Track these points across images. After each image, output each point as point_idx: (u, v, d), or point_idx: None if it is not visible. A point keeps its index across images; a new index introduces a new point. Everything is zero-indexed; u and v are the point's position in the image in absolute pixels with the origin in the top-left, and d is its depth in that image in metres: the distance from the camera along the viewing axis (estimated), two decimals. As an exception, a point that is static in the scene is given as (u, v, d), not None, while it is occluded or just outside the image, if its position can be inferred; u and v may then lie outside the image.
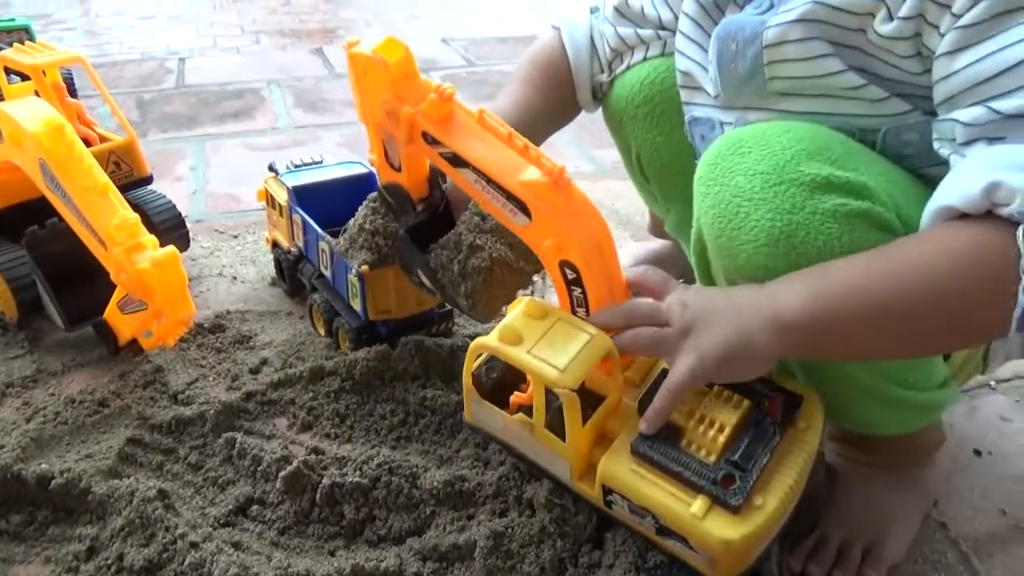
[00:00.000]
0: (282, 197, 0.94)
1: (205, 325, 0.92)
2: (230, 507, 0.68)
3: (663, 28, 0.75)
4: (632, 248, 1.06)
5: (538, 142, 0.86)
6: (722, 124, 0.67)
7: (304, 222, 0.90)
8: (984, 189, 0.44)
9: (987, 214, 0.45)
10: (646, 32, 0.76)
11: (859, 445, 0.68)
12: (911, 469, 0.68)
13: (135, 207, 0.99)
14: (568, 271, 0.58)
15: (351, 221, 0.83)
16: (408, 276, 0.76)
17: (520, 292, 0.72)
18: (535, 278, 0.72)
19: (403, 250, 0.74)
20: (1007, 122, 0.46)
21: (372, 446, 0.74)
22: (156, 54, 2.41)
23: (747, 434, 0.52)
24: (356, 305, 0.83)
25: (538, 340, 0.55)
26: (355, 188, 0.91)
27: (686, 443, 0.52)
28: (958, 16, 0.48)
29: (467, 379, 0.61)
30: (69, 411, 0.78)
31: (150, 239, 0.77)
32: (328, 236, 0.85)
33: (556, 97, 0.82)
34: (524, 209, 0.57)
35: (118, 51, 2.86)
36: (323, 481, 0.67)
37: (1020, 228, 0.43)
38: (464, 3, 4.53)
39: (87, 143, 0.97)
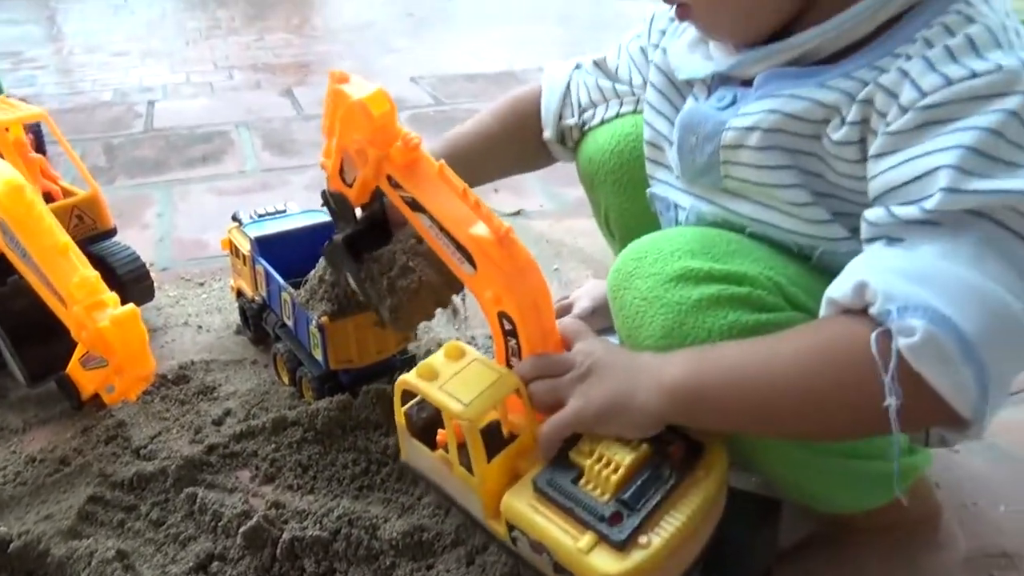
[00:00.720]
0: (245, 247, 0.95)
1: (169, 376, 0.93)
2: (191, 564, 0.68)
3: (637, 88, 0.78)
4: (591, 286, 1.08)
5: (494, 173, 0.92)
6: (677, 207, 0.69)
7: (267, 273, 0.91)
8: (854, 287, 0.47)
9: (864, 311, 0.47)
10: (622, 87, 0.79)
11: (839, 523, 0.66)
12: (904, 548, 0.66)
13: (99, 260, 1.01)
14: (505, 322, 0.61)
15: (312, 272, 0.84)
16: (336, 275, 0.80)
17: (439, 311, 0.78)
18: (455, 298, 0.77)
19: (336, 254, 0.77)
20: (904, 225, 0.48)
21: (334, 497, 0.75)
22: (128, 92, 2.42)
23: (642, 476, 0.54)
24: (318, 355, 0.84)
25: (451, 377, 0.59)
26: (318, 237, 0.93)
27: (584, 481, 0.54)
28: (889, 124, 0.50)
29: (398, 417, 0.64)
30: (29, 470, 0.78)
31: (111, 296, 0.78)
32: (290, 287, 0.86)
33: (518, 130, 0.85)
34: (471, 260, 0.61)
35: (91, 88, 2.87)
36: (283, 535, 0.68)
37: (874, 333, 0.45)
38: (439, 37, 4.60)
39: (50, 198, 0.98)
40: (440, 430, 0.63)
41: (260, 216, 0.98)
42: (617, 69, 0.80)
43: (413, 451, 0.65)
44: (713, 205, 0.65)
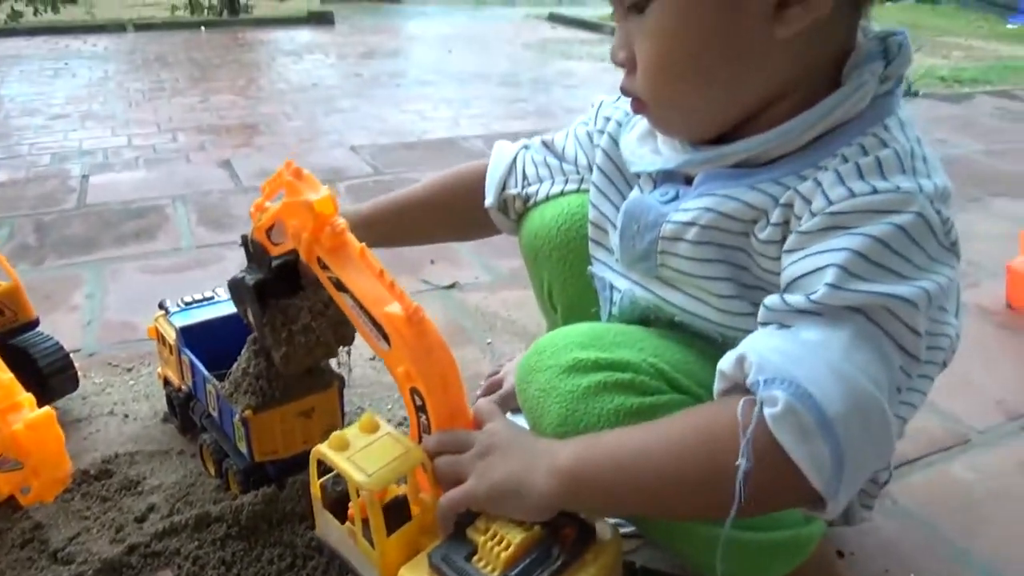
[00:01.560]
0: (171, 336, 0.95)
1: (91, 472, 0.91)
2: (105, 677, 0.66)
3: (583, 169, 0.81)
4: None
5: (433, 236, 0.97)
6: (613, 288, 0.73)
7: (192, 363, 0.91)
8: (736, 359, 0.52)
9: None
10: (568, 167, 0.82)
11: None
12: None
13: (20, 352, 0.99)
14: (416, 398, 0.65)
15: (236, 364, 0.85)
16: (236, 308, 0.83)
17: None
18: (342, 351, 0.82)
19: (243, 292, 0.79)
20: (793, 313, 0.53)
21: (257, 595, 0.74)
22: (67, 156, 2.39)
23: (531, 555, 0.57)
24: (242, 447, 0.84)
25: (360, 449, 0.62)
26: (245, 326, 0.93)
27: (477, 558, 0.57)
28: (801, 225, 0.55)
29: (313, 488, 0.66)
30: (-62, 581, 0.76)
31: (27, 398, 0.77)
32: (214, 379, 0.86)
33: (460, 197, 0.89)
34: (386, 337, 0.65)
35: (28, 152, 2.83)
36: (202, 642, 0.67)
37: (741, 401, 0.50)
38: (384, 96, 4.66)
39: (-32, 292, 0.97)
40: (351, 504, 0.65)
41: (187, 304, 0.98)
42: (564, 149, 0.83)
43: (324, 523, 0.68)
44: (647, 291, 0.69)
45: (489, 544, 0.57)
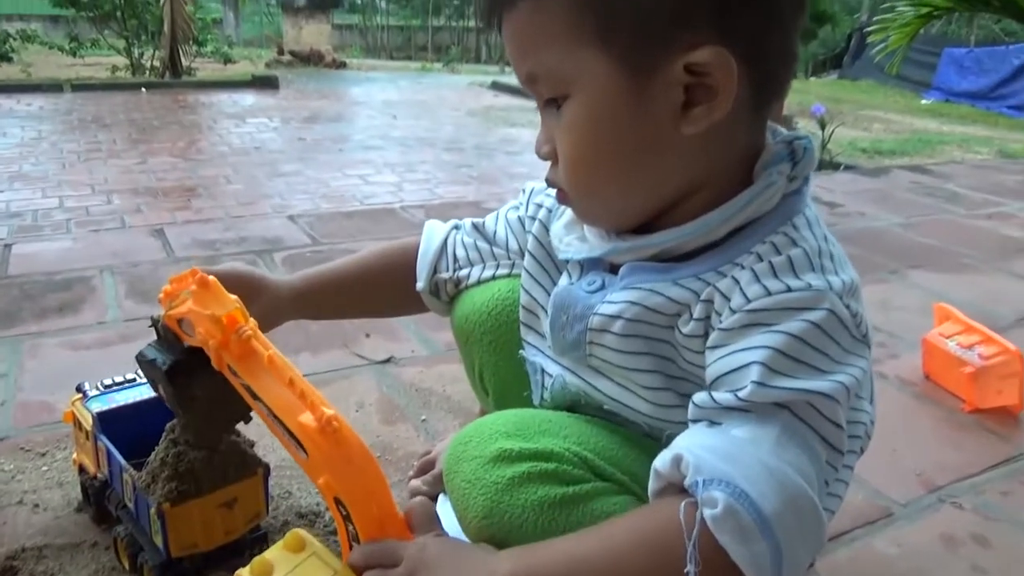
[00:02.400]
0: (88, 421, 0.91)
1: (-6, 569, 0.86)
2: None
3: (514, 254, 0.83)
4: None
5: (364, 311, 0.97)
6: (545, 372, 0.74)
7: (108, 451, 0.87)
8: (672, 459, 0.53)
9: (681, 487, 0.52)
10: (499, 251, 0.83)
11: None
12: None
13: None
14: (341, 508, 0.62)
15: (154, 452, 0.82)
16: (162, 391, 0.80)
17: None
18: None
19: (154, 372, 0.77)
20: (722, 410, 0.55)
21: None
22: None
23: None
24: (158, 541, 0.80)
25: (287, 573, 0.60)
26: (167, 409, 0.90)
27: None
28: (721, 321, 0.58)
29: None
30: None
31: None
32: (131, 468, 0.83)
33: (391, 276, 0.89)
34: (303, 446, 0.63)
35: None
36: None
37: (682, 503, 0.51)
38: (326, 160, 4.68)
39: None
40: None
41: (106, 387, 0.95)
42: (495, 233, 0.84)
43: None
44: (577, 378, 0.70)
45: None
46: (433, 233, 0.88)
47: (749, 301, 0.57)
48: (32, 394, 1.25)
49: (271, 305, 0.84)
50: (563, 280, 0.72)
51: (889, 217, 2.61)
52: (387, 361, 1.41)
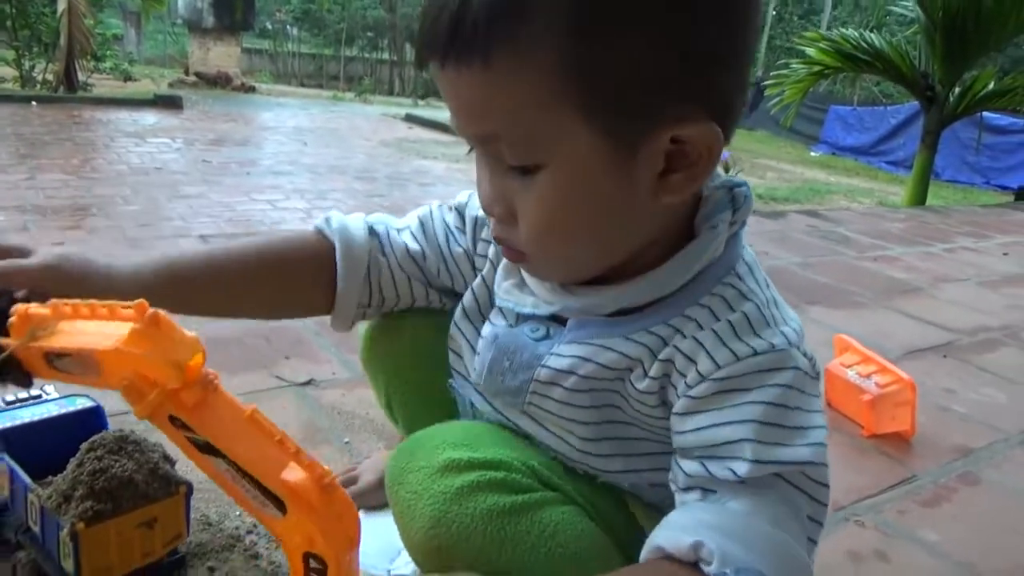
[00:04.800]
0: (-14, 440, 0.85)
1: None
2: None
3: (447, 291, 0.78)
4: (378, 458, 1.07)
5: (234, 308, 0.78)
6: (473, 405, 0.74)
7: (11, 470, 0.81)
8: (691, 546, 0.54)
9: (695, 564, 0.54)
10: (432, 293, 0.78)
11: None
12: None
13: None
14: (313, 562, 0.56)
15: (67, 470, 0.77)
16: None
17: None
18: None
19: None
20: (718, 482, 0.57)
21: None
22: None
23: None
24: (68, 566, 0.75)
25: None
26: (76, 426, 0.85)
27: None
28: (689, 387, 0.59)
29: None
30: None
31: None
32: (38, 488, 0.78)
33: (296, 275, 0.76)
34: (278, 505, 0.55)
35: None
36: None
37: None
38: (233, 183, 4.55)
39: None
40: None
41: (9, 404, 0.88)
42: (438, 272, 0.77)
43: None
44: (509, 422, 0.70)
45: None
46: (353, 255, 0.75)
47: (719, 367, 0.58)
48: (-87, 414, 1.14)
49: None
50: (499, 321, 0.70)
51: (788, 256, 2.77)
52: (307, 383, 1.37)
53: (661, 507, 0.69)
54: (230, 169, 5.18)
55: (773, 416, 0.57)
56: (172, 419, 0.56)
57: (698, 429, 0.59)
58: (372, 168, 5.66)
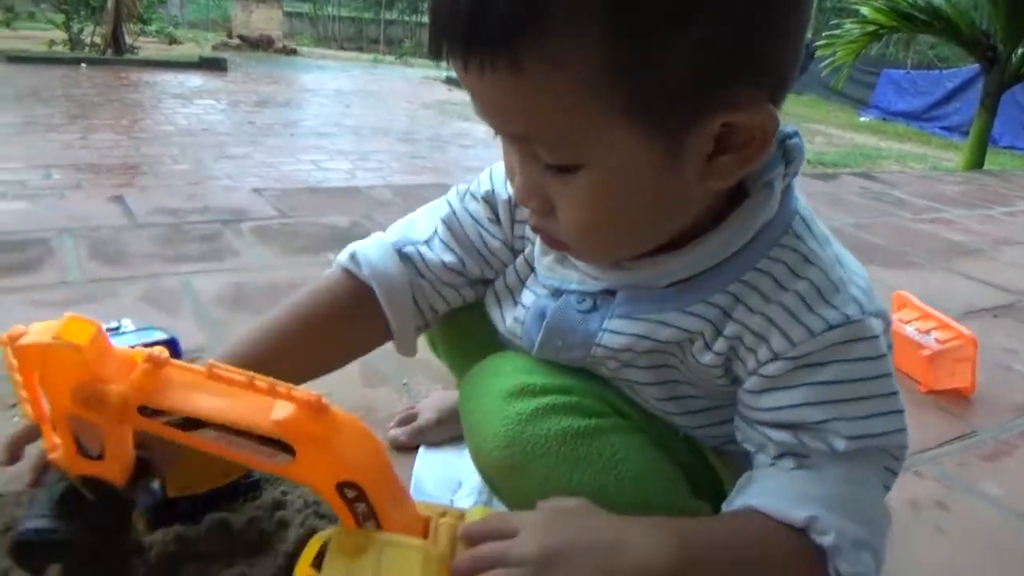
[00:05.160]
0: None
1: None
2: None
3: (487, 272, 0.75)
4: (437, 397, 1.09)
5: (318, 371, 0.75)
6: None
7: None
8: (806, 519, 0.56)
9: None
10: (479, 289, 0.76)
11: None
12: None
13: None
14: (348, 491, 0.56)
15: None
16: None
17: None
18: None
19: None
20: (811, 450, 0.58)
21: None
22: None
23: None
24: (155, 485, 0.78)
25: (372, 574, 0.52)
26: (164, 349, 0.88)
27: None
28: (762, 364, 0.58)
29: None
30: None
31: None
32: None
33: (349, 325, 0.75)
34: (285, 448, 0.54)
35: None
36: None
37: (835, 566, 0.56)
38: (277, 144, 4.60)
39: None
40: None
41: (93, 333, 0.92)
42: (482, 275, 0.75)
43: None
44: None
45: None
46: (395, 295, 0.72)
47: (794, 345, 0.57)
48: (-5, 348, 1.19)
49: None
50: (540, 292, 0.68)
51: (842, 217, 2.71)
52: (363, 328, 1.40)
53: (726, 453, 0.71)
54: (274, 130, 5.24)
55: (858, 391, 0.57)
56: (142, 410, 0.55)
57: (779, 408, 0.59)
58: (413, 130, 5.66)
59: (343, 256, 0.75)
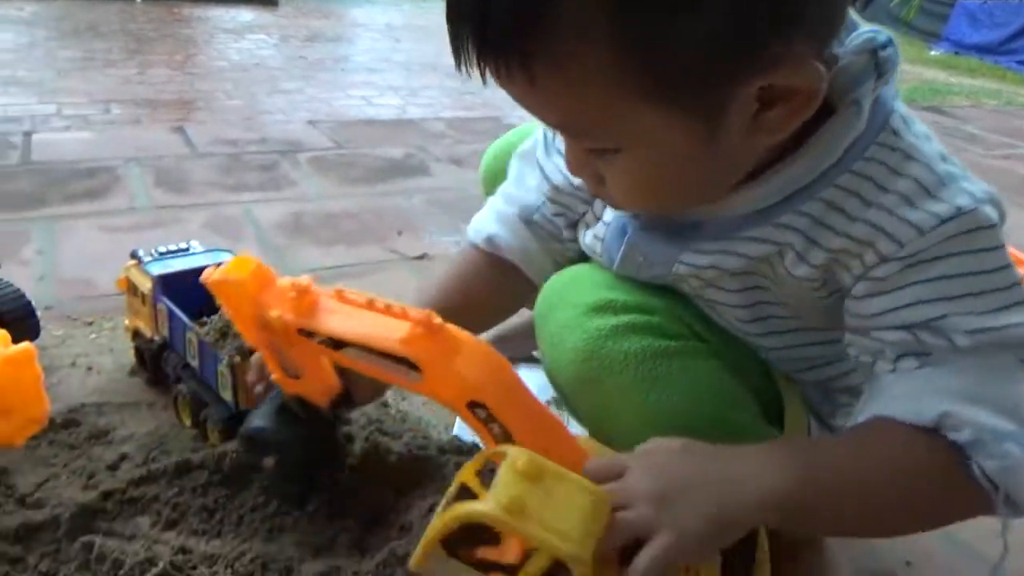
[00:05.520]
0: (145, 285, 0.92)
1: (57, 420, 0.87)
2: (88, 617, 0.64)
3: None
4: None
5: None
6: None
7: (170, 311, 0.88)
8: (935, 417, 0.51)
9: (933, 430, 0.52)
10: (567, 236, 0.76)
11: None
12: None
13: (-22, 296, 0.94)
14: (478, 410, 0.56)
15: (219, 311, 0.83)
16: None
17: None
18: None
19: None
20: (934, 347, 0.53)
21: (243, 540, 0.73)
22: (-4, 124, 2.27)
23: None
24: (227, 396, 0.82)
25: (542, 507, 0.49)
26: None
27: None
28: (869, 268, 0.54)
29: (433, 533, 0.51)
30: (-103, 524, 0.71)
31: (1, 334, 0.73)
32: (196, 327, 0.84)
33: (499, 301, 0.81)
34: (413, 366, 0.56)
35: (-51, 114, 2.67)
36: (192, 582, 0.65)
37: (978, 464, 0.51)
38: (328, 79, 4.57)
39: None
40: (485, 548, 0.52)
41: (161, 254, 0.95)
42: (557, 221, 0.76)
43: (442, 568, 0.53)
44: None
45: None
46: (532, 261, 0.77)
47: (902, 246, 0.52)
48: (70, 270, 1.25)
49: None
50: (627, 218, 0.65)
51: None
52: (421, 257, 1.42)
53: (800, 382, 0.69)
54: (325, 65, 5.21)
55: (976, 284, 0.52)
56: (302, 332, 0.61)
57: (892, 310, 0.54)
58: (464, 65, 5.56)
59: (478, 238, 0.78)
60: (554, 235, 0.77)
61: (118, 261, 0.97)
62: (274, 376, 0.69)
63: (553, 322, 0.64)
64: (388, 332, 0.56)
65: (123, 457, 0.83)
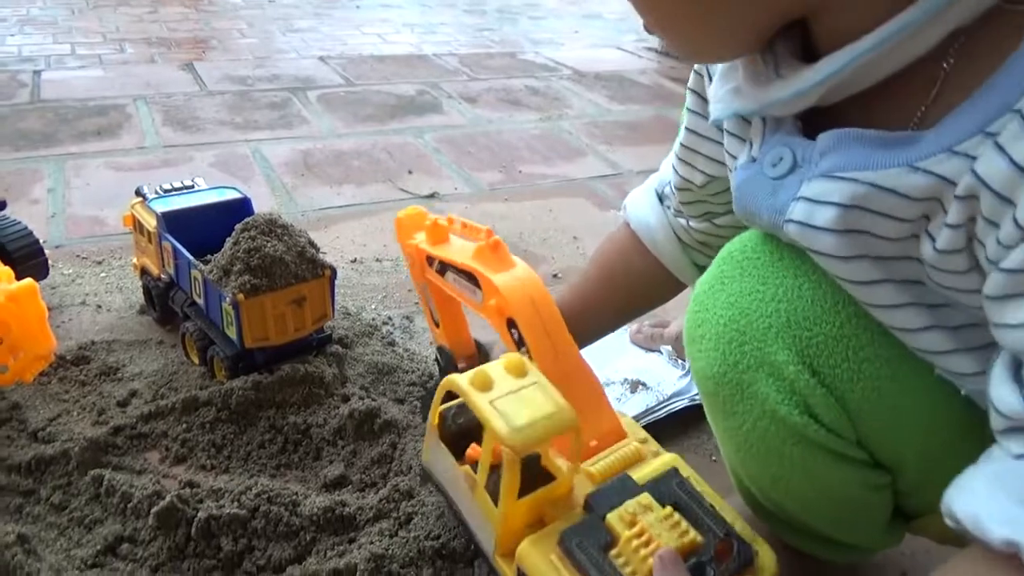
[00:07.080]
0: (150, 223, 0.91)
1: (67, 357, 0.88)
2: (98, 547, 0.65)
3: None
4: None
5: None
6: None
7: (175, 249, 0.88)
8: (1004, 541, 0.34)
9: None
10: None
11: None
12: None
13: (-14, 234, 0.94)
14: (513, 332, 0.59)
15: (224, 248, 0.82)
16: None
17: None
18: None
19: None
20: None
21: (250, 476, 0.74)
22: (6, 62, 2.26)
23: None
24: (231, 333, 0.82)
25: (506, 394, 0.51)
26: (228, 214, 0.90)
27: (616, 553, 0.47)
28: (1003, 246, 0.36)
29: (432, 416, 0.58)
30: (-87, 456, 0.73)
31: (4, 271, 0.73)
32: (200, 264, 0.84)
33: (647, 284, 0.77)
34: (475, 282, 0.63)
35: (-37, 56, 2.65)
36: (198, 515, 0.66)
37: None
38: (343, 17, 4.49)
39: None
40: (473, 444, 0.57)
41: (166, 191, 0.94)
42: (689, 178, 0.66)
43: (438, 456, 0.59)
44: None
45: (634, 542, 0.47)
46: (663, 248, 0.73)
47: None
48: (81, 209, 1.25)
49: None
50: (741, 154, 0.51)
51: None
52: (431, 196, 1.40)
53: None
54: (339, 2, 5.11)
55: None
56: (429, 262, 0.71)
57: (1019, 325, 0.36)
58: (481, 1, 5.44)
59: (629, 215, 0.76)
60: (678, 210, 0.71)
61: (127, 199, 0.96)
62: (428, 321, 0.77)
63: (749, 397, 0.51)
64: (464, 251, 0.64)
65: (133, 393, 0.84)
